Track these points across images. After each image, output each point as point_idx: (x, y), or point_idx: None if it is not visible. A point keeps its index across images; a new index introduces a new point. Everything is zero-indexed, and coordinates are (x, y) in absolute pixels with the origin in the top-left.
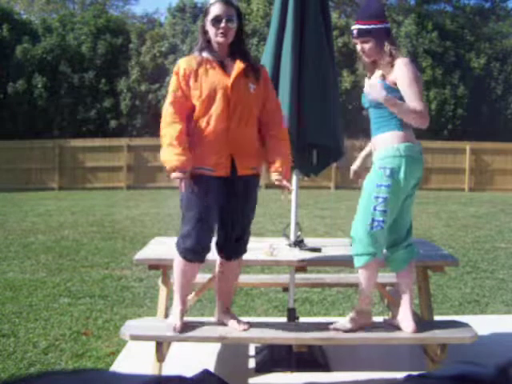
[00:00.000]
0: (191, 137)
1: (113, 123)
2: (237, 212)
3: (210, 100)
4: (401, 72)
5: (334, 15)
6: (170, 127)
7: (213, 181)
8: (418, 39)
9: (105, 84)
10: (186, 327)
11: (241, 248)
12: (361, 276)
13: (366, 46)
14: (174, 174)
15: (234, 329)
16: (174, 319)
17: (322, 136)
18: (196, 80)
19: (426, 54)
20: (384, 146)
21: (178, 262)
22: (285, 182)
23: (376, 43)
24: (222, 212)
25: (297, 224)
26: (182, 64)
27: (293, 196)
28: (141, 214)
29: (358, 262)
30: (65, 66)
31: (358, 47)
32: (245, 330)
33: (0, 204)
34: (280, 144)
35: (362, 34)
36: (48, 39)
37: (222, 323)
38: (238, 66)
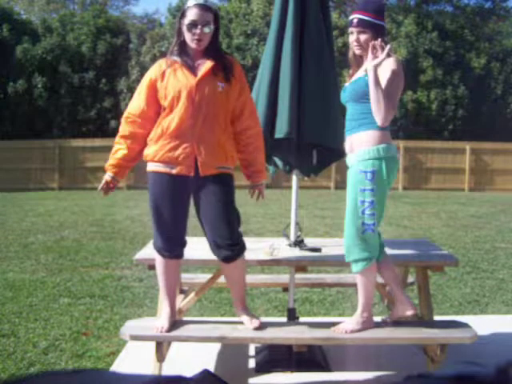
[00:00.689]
0: (153, 136)
1: (113, 123)
2: (210, 213)
3: (174, 101)
4: (387, 74)
5: (334, 15)
6: (124, 128)
7: (173, 179)
8: (418, 39)
9: (105, 84)
10: (176, 327)
11: (234, 249)
12: (359, 281)
13: (362, 37)
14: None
15: (246, 326)
16: (162, 321)
17: (322, 136)
18: (162, 81)
19: (427, 54)
20: (364, 148)
21: (157, 261)
22: (259, 190)
23: (372, 37)
24: (199, 215)
25: (297, 224)
26: (152, 68)
27: (293, 196)
28: (141, 214)
29: (356, 267)
30: (65, 66)
31: (353, 37)
32: (255, 328)
33: (0, 204)
34: (254, 151)
35: (361, 23)
36: (48, 39)
37: (239, 320)
38: (206, 65)
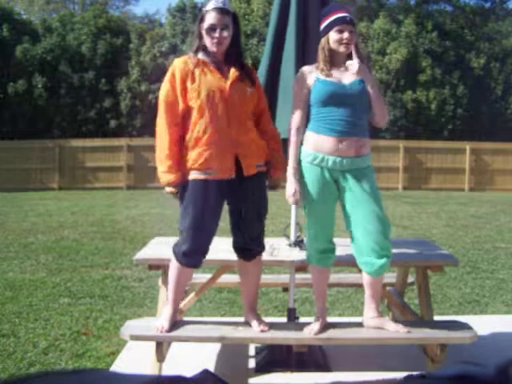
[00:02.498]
0: (189, 141)
1: (113, 123)
2: (250, 212)
3: (208, 102)
4: (372, 77)
5: None
6: (160, 139)
7: (214, 184)
8: (418, 39)
9: (105, 84)
10: (176, 327)
11: (258, 246)
12: (381, 281)
13: (352, 36)
14: (166, 189)
15: (254, 329)
16: (163, 321)
17: None
18: (193, 81)
19: (426, 53)
20: (370, 151)
21: (172, 265)
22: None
23: (355, 36)
24: (234, 214)
25: (297, 224)
26: (179, 65)
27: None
28: (141, 214)
29: (387, 266)
30: (65, 66)
31: (344, 35)
32: (262, 331)
33: (0, 204)
34: (271, 151)
35: (352, 22)
36: (48, 39)
37: (247, 323)
38: (234, 72)
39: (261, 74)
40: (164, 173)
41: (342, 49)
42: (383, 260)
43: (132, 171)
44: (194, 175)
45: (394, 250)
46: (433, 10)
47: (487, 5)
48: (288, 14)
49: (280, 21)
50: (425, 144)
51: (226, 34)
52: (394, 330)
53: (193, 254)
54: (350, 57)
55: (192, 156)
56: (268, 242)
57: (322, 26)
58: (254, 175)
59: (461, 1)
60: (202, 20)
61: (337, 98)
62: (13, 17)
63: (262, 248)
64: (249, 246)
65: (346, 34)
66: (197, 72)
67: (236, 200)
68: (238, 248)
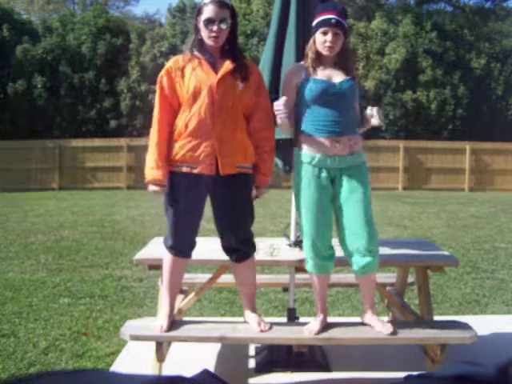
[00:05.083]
0: (174, 133)
1: (113, 123)
2: (228, 212)
3: (195, 97)
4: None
5: None
6: (152, 134)
7: (194, 178)
8: (417, 39)
9: (105, 84)
10: (176, 327)
11: (246, 248)
12: (374, 279)
13: (336, 39)
14: (150, 187)
15: (254, 328)
16: (161, 320)
17: None
18: (183, 78)
19: (426, 54)
20: (360, 148)
21: (165, 258)
22: (256, 195)
23: (342, 41)
24: (215, 214)
25: (297, 224)
26: (169, 64)
27: (293, 196)
28: (141, 214)
29: (377, 264)
30: (65, 66)
31: (328, 37)
32: (262, 331)
33: (0, 204)
34: (262, 154)
35: (339, 25)
36: (48, 39)
37: (247, 323)
38: (227, 65)
39: (261, 73)
40: (153, 169)
41: (325, 51)
42: (368, 259)
43: (132, 171)
44: (176, 168)
45: (394, 250)
46: (432, 10)
47: (487, 5)
48: (288, 15)
49: (280, 21)
50: (425, 144)
51: (223, 26)
52: (377, 330)
53: (178, 246)
54: (338, 58)
55: (175, 148)
56: (268, 241)
57: (312, 25)
58: (234, 176)
59: (461, 1)
60: (199, 13)
61: (328, 96)
62: (13, 17)
63: (251, 249)
64: (235, 247)
65: (329, 37)
66: (187, 68)
67: (217, 200)
68: (226, 249)
